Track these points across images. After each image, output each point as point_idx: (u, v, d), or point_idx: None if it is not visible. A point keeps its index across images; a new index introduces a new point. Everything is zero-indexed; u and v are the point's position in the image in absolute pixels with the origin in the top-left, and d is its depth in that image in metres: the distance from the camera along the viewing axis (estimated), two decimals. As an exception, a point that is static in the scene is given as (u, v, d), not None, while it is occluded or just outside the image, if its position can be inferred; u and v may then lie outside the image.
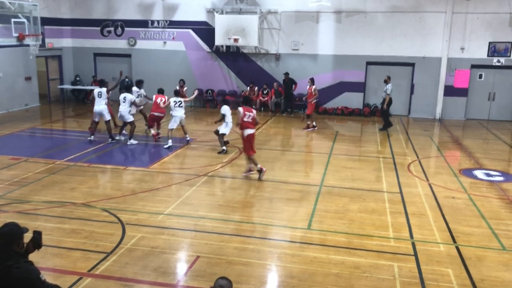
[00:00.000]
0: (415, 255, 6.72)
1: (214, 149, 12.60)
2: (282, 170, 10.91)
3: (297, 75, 18.72)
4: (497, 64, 17.93)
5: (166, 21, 20.32)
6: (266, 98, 19.44)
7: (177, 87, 16.58)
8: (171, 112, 12.87)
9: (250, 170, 10.33)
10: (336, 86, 19.35)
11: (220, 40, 19.13)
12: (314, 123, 15.89)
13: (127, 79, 20.05)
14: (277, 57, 19.56)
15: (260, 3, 19.26)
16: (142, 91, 14.05)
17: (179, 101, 12.85)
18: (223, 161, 11.52)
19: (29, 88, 19.16)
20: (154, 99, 13.23)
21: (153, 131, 13.73)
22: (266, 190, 9.51)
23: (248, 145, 10.08)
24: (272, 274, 6.25)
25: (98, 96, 13.05)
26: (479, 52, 17.96)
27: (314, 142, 14.53)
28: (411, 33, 18.24)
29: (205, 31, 19.89)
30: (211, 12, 19.58)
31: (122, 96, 13.01)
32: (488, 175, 10.91)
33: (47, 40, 19.68)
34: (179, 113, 12.83)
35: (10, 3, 14.88)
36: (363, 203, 8.80)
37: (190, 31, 20.17)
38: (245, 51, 19.80)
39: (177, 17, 20.15)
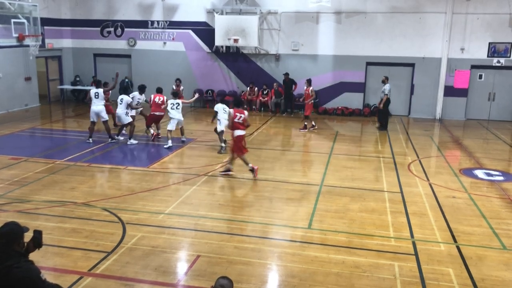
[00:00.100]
0: (416, 254, 6.71)
1: (214, 149, 12.63)
2: (283, 170, 10.91)
3: (297, 76, 18.73)
4: (497, 64, 17.94)
5: (166, 21, 20.32)
6: (266, 99, 19.45)
7: (174, 87, 16.57)
8: (168, 113, 12.91)
9: (228, 170, 10.39)
10: (336, 86, 19.36)
11: (220, 40, 19.13)
12: (313, 123, 15.89)
13: (126, 80, 20.12)
14: (277, 57, 19.56)
15: (260, 3, 19.27)
16: (143, 97, 13.81)
17: (176, 103, 12.86)
18: (223, 161, 11.51)
19: (29, 89, 19.16)
20: (152, 98, 13.20)
21: (152, 131, 13.73)
22: (267, 189, 9.51)
23: (237, 145, 10.18)
24: (273, 274, 6.24)
25: (95, 97, 13.09)
26: (479, 53, 17.98)
27: (314, 142, 14.53)
28: (411, 34, 18.25)
29: (205, 31, 19.90)
30: (211, 12, 19.59)
31: (119, 97, 13.10)
32: (488, 174, 10.91)
33: (47, 41, 19.69)
34: (176, 115, 12.84)
35: (10, 3, 14.89)
36: (363, 203, 8.80)
37: (190, 31, 20.18)
38: (245, 51, 19.80)
39: (177, 17, 20.15)
